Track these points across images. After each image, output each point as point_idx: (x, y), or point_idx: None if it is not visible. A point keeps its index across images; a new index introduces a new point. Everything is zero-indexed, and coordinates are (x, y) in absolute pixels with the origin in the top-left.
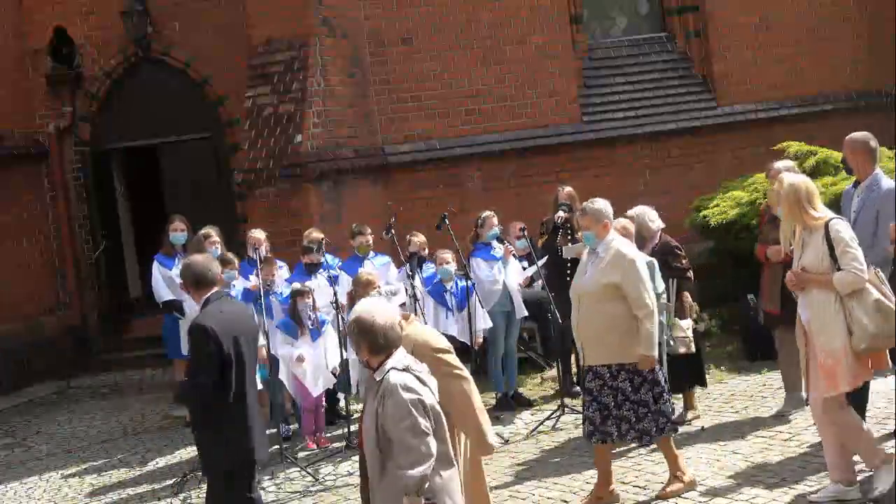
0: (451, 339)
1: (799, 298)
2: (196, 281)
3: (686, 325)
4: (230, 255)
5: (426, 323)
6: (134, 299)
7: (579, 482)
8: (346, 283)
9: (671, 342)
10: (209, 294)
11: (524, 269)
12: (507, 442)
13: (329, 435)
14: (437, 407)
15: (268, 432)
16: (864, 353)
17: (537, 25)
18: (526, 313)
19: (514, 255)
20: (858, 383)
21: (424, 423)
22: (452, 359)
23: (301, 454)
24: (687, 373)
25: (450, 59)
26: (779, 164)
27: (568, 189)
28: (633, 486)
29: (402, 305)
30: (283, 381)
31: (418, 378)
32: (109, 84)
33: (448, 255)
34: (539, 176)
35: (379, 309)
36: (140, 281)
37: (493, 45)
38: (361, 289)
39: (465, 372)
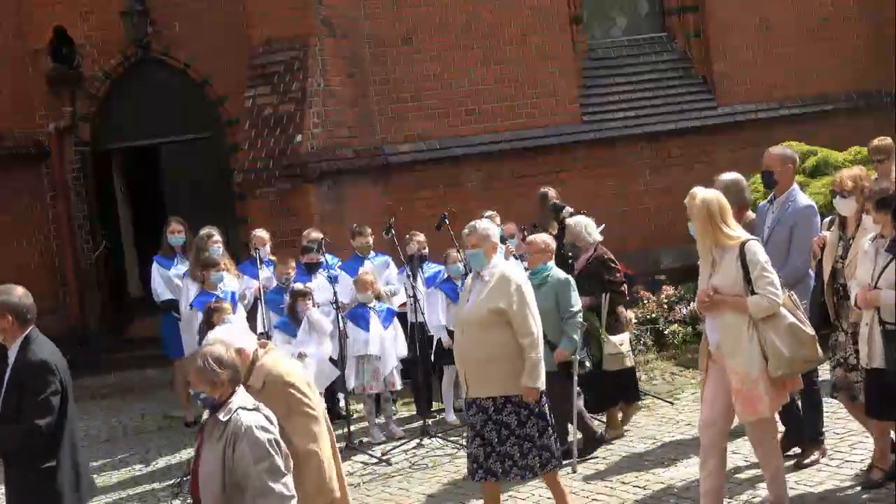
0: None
1: (707, 319)
2: (18, 315)
3: (620, 341)
4: (216, 258)
5: (425, 322)
6: (134, 299)
7: (578, 482)
8: (346, 282)
9: (586, 362)
10: (30, 330)
11: (525, 269)
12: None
13: None
14: (285, 446)
15: None
16: (780, 378)
17: (537, 25)
18: None
19: (513, 254)
20: (777, 407)
21: (282, 464)
22: (306, 394)
23: None
24: (615, 390)
25: (450, 59)
26: (724, 177)
27: (549, 189)
28: (633, 487)
29: (403, 305)
30: None
31: (267, 417)
32: (109, 84)
33: (458, 254)
34: (539, 176)
35: (231, 339)
36: (140, 281)
37: (493, 45)
38: (361, 289)
39: (318, 411)
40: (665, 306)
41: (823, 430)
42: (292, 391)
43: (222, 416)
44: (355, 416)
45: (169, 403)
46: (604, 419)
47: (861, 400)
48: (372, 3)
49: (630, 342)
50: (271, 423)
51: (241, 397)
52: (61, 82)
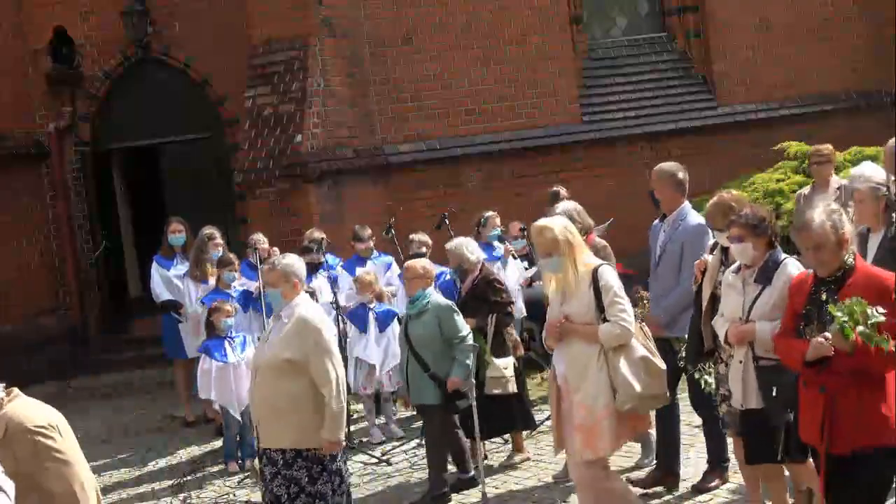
0: None
1: (555, 350)
2: None
3: (505, 364)
4: (231, 256)
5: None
6: (134, 299)
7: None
8: (346, 282)
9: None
10: None
11: (525, 269)
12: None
13: None
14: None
15: None
16: (627, 413)
17: (537, 25)
18: (525, 313)
19: (513, 255)
20: (619, 446)
21: None
22: (53, 438)
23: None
24: (503, 417)
25: (450, 59)
26: (563, 206)
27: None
28: (632, 487)
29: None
30: None
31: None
32: (109, 84)
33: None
34: (539, 176)
35: None
36: (140, 281)
37: (493, 45)
38: (361, 289)
39: (68, 454)
40: None
41: (727, 456)
42: (38, 438)
43: None
44: (355, 416)
45: (169, 403)
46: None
47: None
48: (372, 3)
49: (515, 367)
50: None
51: None
52: (61, 82)
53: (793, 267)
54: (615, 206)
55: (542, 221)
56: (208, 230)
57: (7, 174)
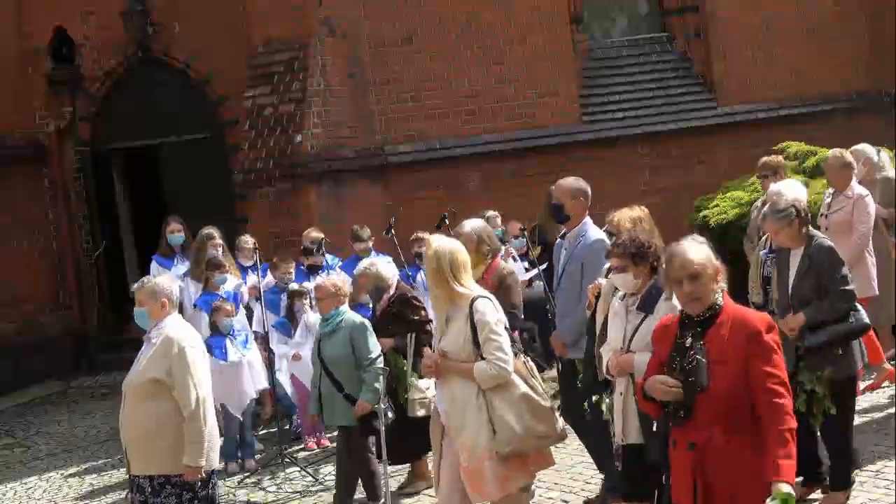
0: None
1: (437, 388)
2: None
3: (427, 385)
4: (221, 259)
5: None
6: (134, 299)
7: (579, 482)
8: (346, 281)
9: (388, 412)
10: None
11: (526, 269)
12: None
13: (329, 435)
14: None
15: (263, 431)
16: (509, 455)
17: (537, 25)
18: (522, 315)
19: (513, 256)
20: (510, 489)
21: None
22: None
23: (301, 454)
24: (421, 440)
25: (450, 59)
26: (468, 226)
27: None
28: None
29: None
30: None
31: None
32: (109, 84)
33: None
34: (539, 176)
35: None
36: None
37: (493, 45)
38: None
39: None
40: None
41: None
42: None
43: None
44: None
45: None
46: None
47: None
48: (372, 3)
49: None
50: None
51: None
52: (61, 82)
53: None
54: (615, 207)
55: (433, 238)
56: (208, 230)
57: (7, 174)
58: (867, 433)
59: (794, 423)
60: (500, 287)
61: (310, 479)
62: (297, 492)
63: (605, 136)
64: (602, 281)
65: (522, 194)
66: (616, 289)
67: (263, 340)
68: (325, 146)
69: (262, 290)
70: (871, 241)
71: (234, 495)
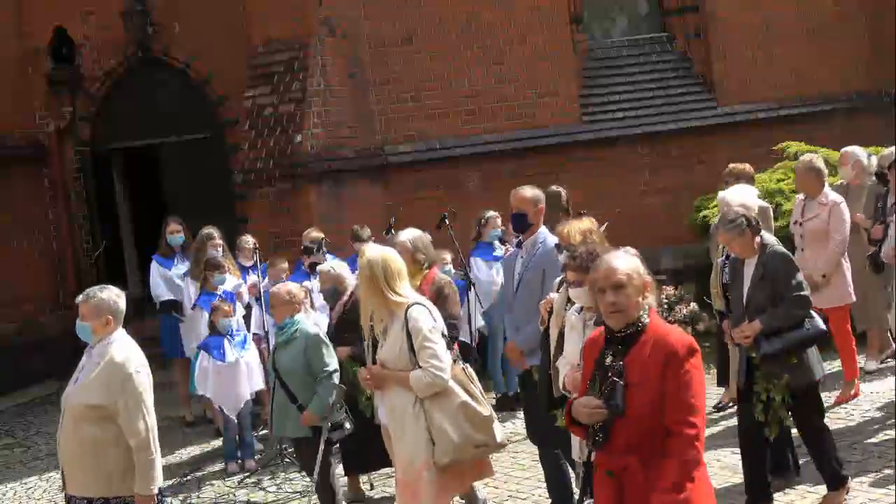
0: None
1: (378, 399)
2: None
3: None
4: (220, 259)
5: None
6: (133, 299)
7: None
8: None
9: (346, 423)
10: None
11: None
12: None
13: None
14: None
15: (263, 431)
16: (448, 466)
17: (537, 25)
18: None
19: None
20: (444, 502)
21: None
22: None
23: None
24: (382, 451)
25: (450, 59)
26: (405, 235)
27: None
28: None
29: None
30: None
31: None
32: (109, 84)
33: (447, 255)
34: (539, 176)
35: None
36: (140, 281)
37: (493, 45)
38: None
39: None
40: (665, 306)
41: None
42: None
43: None
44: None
45: (168, 403)
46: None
47: None
48: (372, 3)
49: None
50: None
51: None
52: (61, 82)
53: None
54: (615, 207)
55: (368, 246)
56: (207, 230)
57: (7, 174)
58: (866, 432)
59: (697, 459)
60: (438, 297)
61: (310, 479)
62: (297, 492)
63: (605, 136)
64: (554, 296)
65: None
66: (569, 302)
67: (263, 341)
68: (325, 146)
69: (262, 290)
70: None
71: (234, 495)
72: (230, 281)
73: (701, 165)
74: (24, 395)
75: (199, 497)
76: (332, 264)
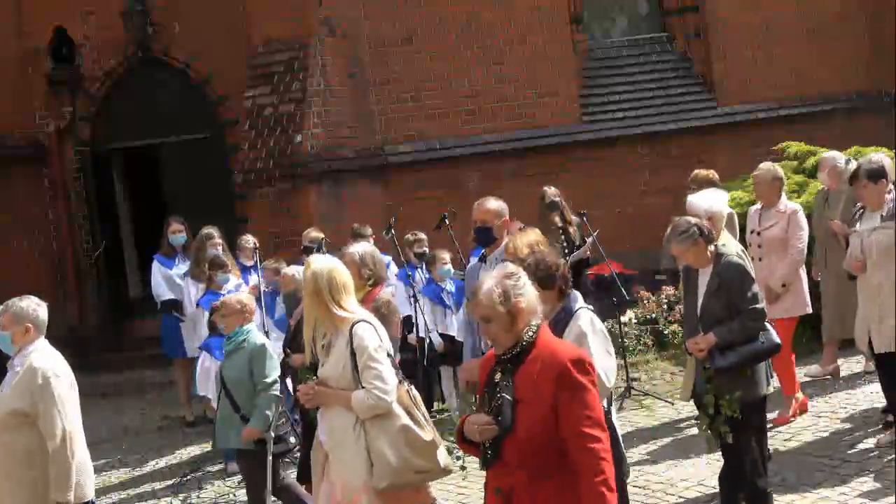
0: (451, 338)
1: (318, 417)
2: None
3: None
4: (224, 258)
5: (425, 323)
6: (134, 299)
7: None
8: None
9: (290, 437)
10: None
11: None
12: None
13: None
14: None
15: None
16: (387, 491)
17: (537, 25)
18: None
19: None
20: None
21: None
22: None
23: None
24: None
25: (450, 59)
26: (353, 248)
27: (555, 190)
28: (633, 486)
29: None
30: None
31: None
32: (109, 84)
33: (446, 255)
34: (539, 176)
35: None
36: (140, 281)
37: (493, 45)
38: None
39: None
40: (665, 306)
41: None
42: None
43: None
44: None
45: (169, 403)
46: None
47: None
48: (372, 3)
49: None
50: None
51: None
52: (61, 82)
53: (584, 320)
54: (615, 207)
55: (313, 258)
56: (207, 230)
57: (7, 174)
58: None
59: (609, 471)
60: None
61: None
62: None
63: (605, 136)
64: None
65: (522, 194)
66: None
67: None
68: (325, 146)
69: (262, 291)
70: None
71: (235, 495)
72: (231, 281)
73: (701, 165)
74: None
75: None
76: (298, 269)
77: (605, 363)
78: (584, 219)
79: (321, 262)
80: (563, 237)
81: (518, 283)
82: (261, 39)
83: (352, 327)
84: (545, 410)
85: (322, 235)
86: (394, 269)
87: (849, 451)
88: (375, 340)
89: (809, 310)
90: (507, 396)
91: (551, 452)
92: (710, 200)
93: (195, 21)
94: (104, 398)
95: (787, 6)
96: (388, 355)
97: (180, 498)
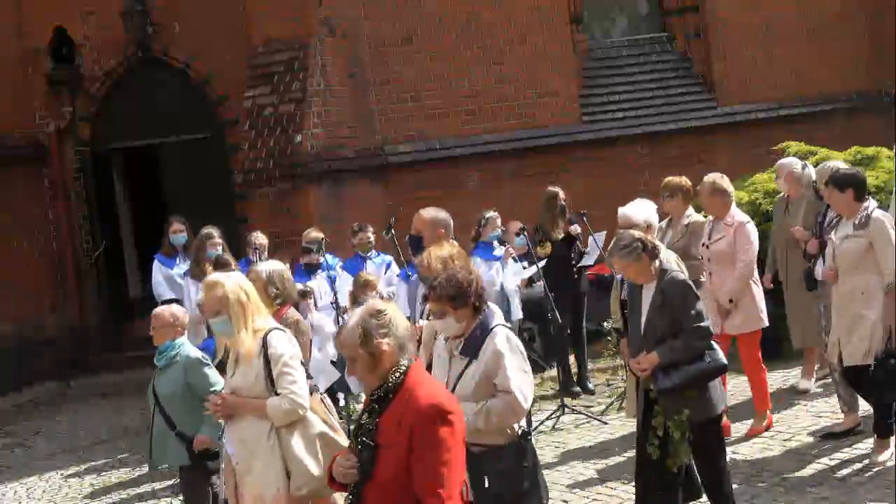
0: None
1: (226, 429)
2: None
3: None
4: (227, 257)
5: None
6: (134, 299)
7: (579, 482)
8: (347, 282)
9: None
10: None
11: (524, 268)
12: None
13: None
14: None
15: None
16: (306, 499)
17: (537, 25)
18: (521, 315)
19: (513, 257)
20: None
21: None
22: None
23: None
24: None
25: (450, 59)
26: (263, 266)
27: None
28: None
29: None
30: None
31: None
32: (109, 84)
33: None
34: (539, 176)
35: None
36: (140, 281)
37: (493, 45)
38: (360, 290)
39: None
40: None
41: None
42: None
43: None
44: (354, 415)
45: None
46: None
47: None
48: (372, 3)
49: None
50: None
51: None
52: (61, 82)
53: (500, 337)
54: (615, 207)
55: (214, 276)
56: (207, 230)
57: (7, 174)
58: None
59: None
60: None
61: None
62: None
63: (605, 136)
64: (423, 323)
65: (522, 194)
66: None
67: None
68: (325, 146)
69: None
70: (755, 271)
71: None
72: None
73: (701, 165)
74: (24, 394)
75: None
76: (272, 266)
77: (522, 382)
78: (585, 219)
79: (230, 279)
80: (577, 245)
81: (382, 322)
82: (261, 39)
83: (265, 336)
84: (404, 457)
85: (322, 235)
86: (394, 269)
87: (849, 452)
88: (290, 348)
89: (765, 323)
90: (369, 441)
91: (409, 500)
92: (647, 212)
93: (195, 21)
94: (104, 398)
95: (787, 6)
96: (301, 363)
97: (180, 498)
